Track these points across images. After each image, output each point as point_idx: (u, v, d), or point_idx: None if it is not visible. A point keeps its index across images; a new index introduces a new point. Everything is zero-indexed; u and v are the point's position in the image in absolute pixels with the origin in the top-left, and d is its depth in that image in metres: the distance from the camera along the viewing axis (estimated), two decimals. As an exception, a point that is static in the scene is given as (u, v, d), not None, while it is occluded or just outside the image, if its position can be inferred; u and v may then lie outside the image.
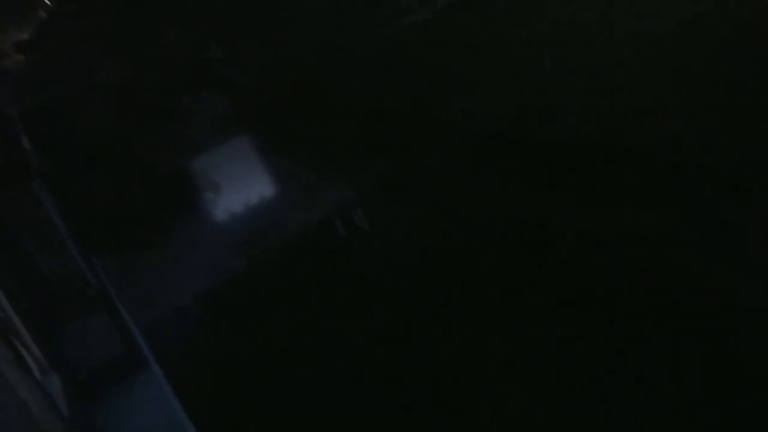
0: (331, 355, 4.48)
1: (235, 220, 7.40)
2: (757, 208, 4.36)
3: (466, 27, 11.37)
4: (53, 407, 3.36)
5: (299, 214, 6.71)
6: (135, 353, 4.50)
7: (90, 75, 15.06)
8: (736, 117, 5.33)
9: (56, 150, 11.76)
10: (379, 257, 5.51)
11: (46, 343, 4.33)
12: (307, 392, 4.27)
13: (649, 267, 4.19)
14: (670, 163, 5.11)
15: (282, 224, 6.61)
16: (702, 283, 3.97)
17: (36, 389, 3.23)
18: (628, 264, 4.30)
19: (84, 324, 4.47)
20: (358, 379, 4.24)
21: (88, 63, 15.79)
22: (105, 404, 4.18)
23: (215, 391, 4.52)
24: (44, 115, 13.47)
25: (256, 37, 12.34)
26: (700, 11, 7.60)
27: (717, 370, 3.37)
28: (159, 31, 12.78)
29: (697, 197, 4.66)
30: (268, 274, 5.90)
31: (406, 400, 3.99)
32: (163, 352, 4.90)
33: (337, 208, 6.45)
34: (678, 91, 6.23)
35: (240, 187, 8.68)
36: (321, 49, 11.97)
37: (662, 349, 3.62)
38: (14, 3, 31.52)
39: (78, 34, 19.70)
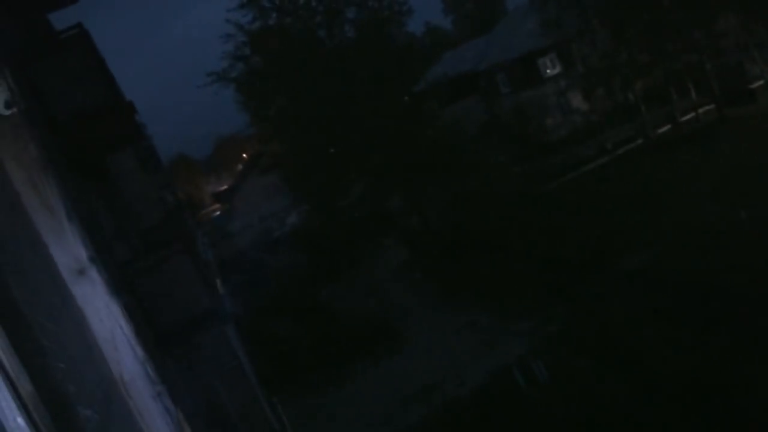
0: None
1: (413, 367, 7.42)
2: None
3: (645, 174, 11.21)
4: None
5: (478, 363, 6.64)
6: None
7: (280, 226, 16.01)
8: None
9: (248, 297, 12.44)
10: (559, 411, 5.29)
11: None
12: None
13: None
14: None
15: (460, 373, 6.55)
16: None
17: None
18: None
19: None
20: None
21: (277, 211, 16.80)
22: None
23: None
24: (238, 261, 14.36)
25: (434, 187, 12.76)
26: None
27: None
28: (347, 185, 13.55)
29: None
30: (446, 425, 5.81)
31: None
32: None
33: (516, 357, 6.32)
34: None
35: (419, 334, 8.75)
36: (497, 198, 12.16)
37: None
38: (221, 160, 34.66)
39: (267, 186, 21.20)
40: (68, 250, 1.64)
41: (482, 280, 8.94)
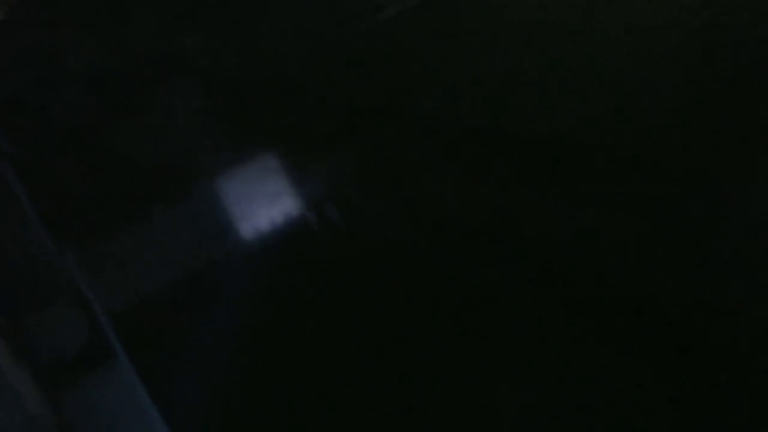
0: (305, 350, 4.50)
1: (208, 210, 7.32)
2: (734, 210, 4.43)
3: (440, 23, 11.36)
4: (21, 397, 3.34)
5: (272, 205, 6.67)
6: (104, 343, 4.48)
7: (62, 62, 14.86)
8: (723, 121, 5.37)
9: (27, 136, 11.59)
10: (351, 251, 5.49)
11: (11, 331, 4.30)
12: (284, 387, 4.31)
13: (637, 271, 4.21)
14: (649, 164, 5.11)
15: (255, 214, 6.56)
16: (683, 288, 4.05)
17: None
18: (605, 267, 4.33)
19: (52, 312, 4.44)
20: (337, 375, 4.29)
21: (61, 50, 15.58)
22: (72, 395, 4.17)
23: (186, 383, 4.55)
24: (15, 101, 13.28)
25: (231, 29, 12.25)
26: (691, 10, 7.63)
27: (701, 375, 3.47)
28: (132, 19, 12.61)
29: (677, 199, 4.68)
30: (241, 265, 5.86)
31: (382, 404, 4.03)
32: (133, 343, 4.88)
33: (311, 200, 6.41)
34: (664, 91, 6.24)
35: (213, 177, 8.61)
36: (294, 43, 11.90)
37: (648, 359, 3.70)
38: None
39: (49, 20, 19.38)
40: None
41: (277, 124, 8.86)
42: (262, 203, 7.17)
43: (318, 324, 4.69)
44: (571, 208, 4.83)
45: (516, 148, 6.25)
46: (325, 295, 4.93)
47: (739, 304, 3.91)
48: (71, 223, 7.90)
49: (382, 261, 5.11)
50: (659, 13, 7.83)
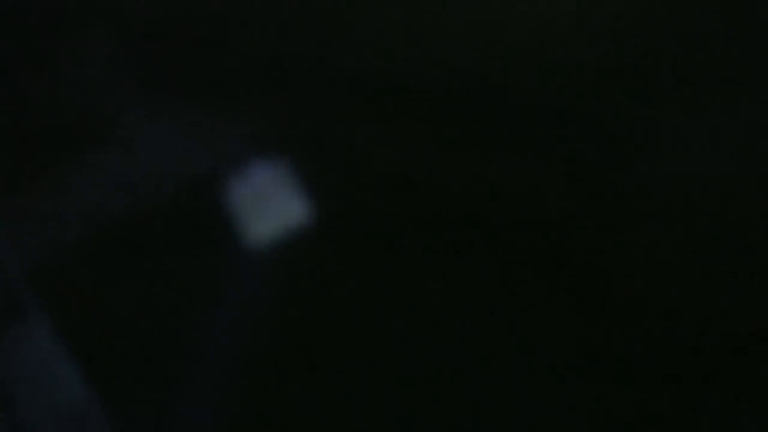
0: (222, 304, 4.45)
1: (123, 162, 7.08)
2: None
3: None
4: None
5: (189, 160, 6.50)
6: (18, 298, 4.35)
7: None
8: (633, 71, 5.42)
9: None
10: (276, 202, 5.41)
11: None
12: (197, 340, 4.25)
13: (535, 219, 4.24)
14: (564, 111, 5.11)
15: (172, 169, 6.38)
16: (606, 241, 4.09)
17: None
18: (513, 216, 4.33)
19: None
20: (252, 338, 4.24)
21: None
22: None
23: (105, 337, 4.45)
24: None
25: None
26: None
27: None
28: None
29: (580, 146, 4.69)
30: (159, 218, 5.71)
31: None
32: (49, 297, 4.74)
33: (230, 152, 6.27)
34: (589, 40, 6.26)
35: (128, 129, 8.31)
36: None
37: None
38: None
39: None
40: None
41: (195, 76, 8.60)
42: (185, 157, 7.01)
43: (237, 277, 4.63)
44: (500, 160, 4.85)
45: (442, 100, 6.21)
46: (241, 246, 4.87)
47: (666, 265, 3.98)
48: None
49: (310, 215, 5.05)
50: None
